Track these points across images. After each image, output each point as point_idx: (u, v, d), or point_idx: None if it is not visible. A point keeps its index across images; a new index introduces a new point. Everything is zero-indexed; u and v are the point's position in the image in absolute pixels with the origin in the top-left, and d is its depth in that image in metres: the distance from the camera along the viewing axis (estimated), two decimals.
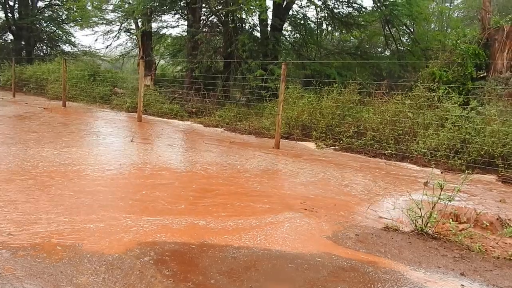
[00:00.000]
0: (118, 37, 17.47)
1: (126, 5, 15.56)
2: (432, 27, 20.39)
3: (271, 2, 13.61)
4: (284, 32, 16.47)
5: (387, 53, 18.15)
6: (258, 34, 15.17)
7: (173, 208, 4.04)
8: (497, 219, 4.49)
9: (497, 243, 3.85)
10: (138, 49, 16.62)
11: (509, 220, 4.42)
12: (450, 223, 3.78)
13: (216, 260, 2.98)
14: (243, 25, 15.42)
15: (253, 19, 15.38)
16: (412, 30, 16.33)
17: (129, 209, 3.91)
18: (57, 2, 24.38)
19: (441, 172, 6.84)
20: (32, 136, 7.33)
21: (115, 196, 4.30)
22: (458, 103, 8.23)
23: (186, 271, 2.78)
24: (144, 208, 3.97)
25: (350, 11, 15.91)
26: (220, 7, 14.53)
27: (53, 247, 2.97)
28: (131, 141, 7.75)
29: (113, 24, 16.95)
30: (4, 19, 23.18)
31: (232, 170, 5.92)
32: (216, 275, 2.75)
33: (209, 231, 3.53)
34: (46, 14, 24.58)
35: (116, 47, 19.26)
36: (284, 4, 14.29)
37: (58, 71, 15.97)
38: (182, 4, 16.08)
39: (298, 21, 16.92)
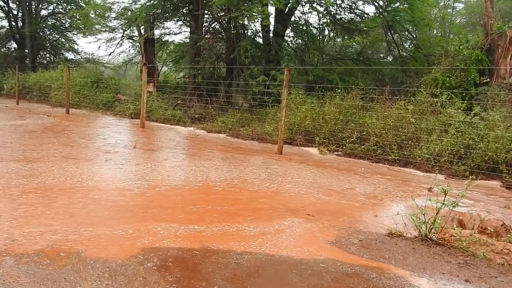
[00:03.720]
0: (121, 44, 17.55)
1: (129, 13, 15.66)
2: (434, 32, 20.37)
3: (273, 8, 13.66)
4: (286, 38, 16.50)
5: (390, 58, 18.14)
6: (261, 40, 15.22)
7: (179, 215, 4.04)
8: (502, 225, 4.46)
9: (501, 250, 3.83)
10: (140, 56, 16.69)
11: None
12: (454, 229, 3.76)
13: (219, 266, 2.97)
14: (245, 31, 15.48)
15: (255, 25, 15.47)
16: (414, 35, 16.35)
17: (124, 218, 3.91)
18: (60, 10, 24.57)
19: (445, 178, 6.81)
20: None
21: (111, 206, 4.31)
22: (461, 108, 8.21)
23: (190, 277, 2.78)
24: (145, 217, 3.97)
25: (352, 17, 15.95)
26: (223, 13, 14.60)
27: (56, 254, 2.97)
28: (134, 147, 7.78)
29: (116, 32, 17.06)
30: (8, 27, 23.36)
31: (234, 176, 5.91)
32: (220, 281, 2.74)
33: (212, 237, 3.52)
34: (49, 22, 24.77)
35: (119, 54, 19.35)
36: (286, 10, 14.33)
37: (61, 79, 16.05)
38: (184, 11, 16.17)
39: (300, 27, 16.96)
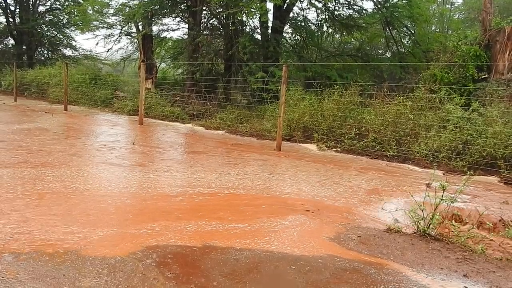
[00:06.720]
0: (119, 40, 17.54)
1: (127, 9, 15.60)
2: (433, 28, 20.36)
3: (272, 4, 13.62)
4: (284, 34, 16.48)
5: (388, 54, 18.12)
6: (259, 37, 15.18)
7: (179, 213, 4.05)
8: (500, 220, 4.47)
9: (499, 245, 3.84)
10: (139, 52, 16.65)
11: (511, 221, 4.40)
12: (452, 225, 3.77)
13: (218, 262, 2.97)
14: (244, 27, 15.43)
15: (253, 22, 15.43)
16: (413, 31, 16.32)
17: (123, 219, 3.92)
18: (58, 6, 24.45)
19: (443, 174, 6.82)
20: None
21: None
22: (460, 104, 8.21)
23: (188, 273, 2.78)
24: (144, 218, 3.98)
25: (350, 13, 15.91)
26: (221, 9, 14.56)
27: (55, 251, 2.97)
28: (133, 144, 7.78)
29: (114, 28, 17.03)
30: (5, 24, 23.24)
31: (233, 173, 5.92)
32: (219, 277, 2.75)
33: (211, 234, 3.53)
34: (47, 19, 24.63)
35: (117, 51, 19.33)
36: (285, 6, 14.31)
37: (59, 75, 16.01)
38: (182, 7, 16.12)
39: (299, 23, 16.93)
